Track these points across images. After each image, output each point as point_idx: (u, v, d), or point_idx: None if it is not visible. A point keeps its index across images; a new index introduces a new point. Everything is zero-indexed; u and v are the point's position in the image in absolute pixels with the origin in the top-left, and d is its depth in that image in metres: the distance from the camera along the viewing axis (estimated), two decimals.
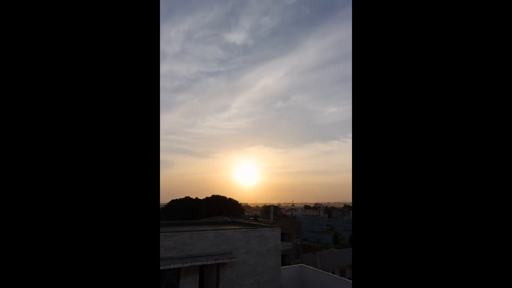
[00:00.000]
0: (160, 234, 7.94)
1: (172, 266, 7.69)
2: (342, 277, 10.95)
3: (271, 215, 12.14)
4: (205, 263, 8.17)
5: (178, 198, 51.83)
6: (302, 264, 12.75)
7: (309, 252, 32.15)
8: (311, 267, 12.04)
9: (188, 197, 52.53)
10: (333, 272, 23.25)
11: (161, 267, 7.48)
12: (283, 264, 15.40)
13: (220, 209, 47.12)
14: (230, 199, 55.57)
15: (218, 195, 55.06)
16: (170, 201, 52.23)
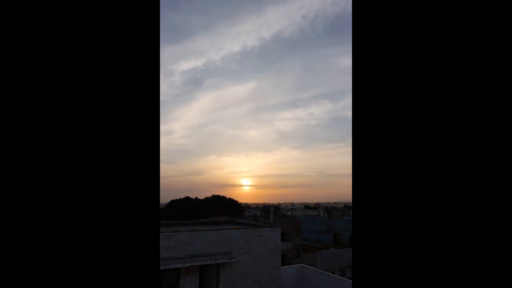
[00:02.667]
0: (160, 234, 7.94)
1: (172, 266, 7.70)
2: (342, 277, 10.95)
3: (271, 215, 12.15)
4: (205, 263, 8.17)
5: (178, 198, 51.89)
6: (302, 264, 12.75)
7: (309, 252, 32.16)
8: (311, 267, 12.05)
9: (188, 197, 52.57)
10: (333, 272, 23.26)
11: (161, 267, 7.48)
12: (283, 264, 15.40)
13: (220, 209, 47.13)
14: (230, 199, 55.61)
15: (218, 195, 55.10)
16: (170, 201, 52.26)
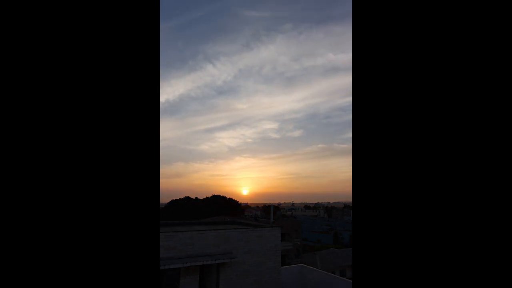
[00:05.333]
0: (160, 234, 7.94)
1: (172, 266, 7.70)
2: (342, 277, 10.95)
3: (271, 215, 12.15)
4: (205, 263, 8.17)
5: (178, 198, 51.89)
6: (302, 264, 12.75)
7: (309, 252, 32.14)
8: (311, 267, 12.05)
9: (188, 197, 52.57)
10: (333, 272, 23.25)
11: (161, 267, 7.48)
12: (283, 264, 15.39)
13: (220, 209, 47.13)
14: (230, 199, 55.61)
15: (218, 195, 55.10)
16: (170, 201, 52.24)
